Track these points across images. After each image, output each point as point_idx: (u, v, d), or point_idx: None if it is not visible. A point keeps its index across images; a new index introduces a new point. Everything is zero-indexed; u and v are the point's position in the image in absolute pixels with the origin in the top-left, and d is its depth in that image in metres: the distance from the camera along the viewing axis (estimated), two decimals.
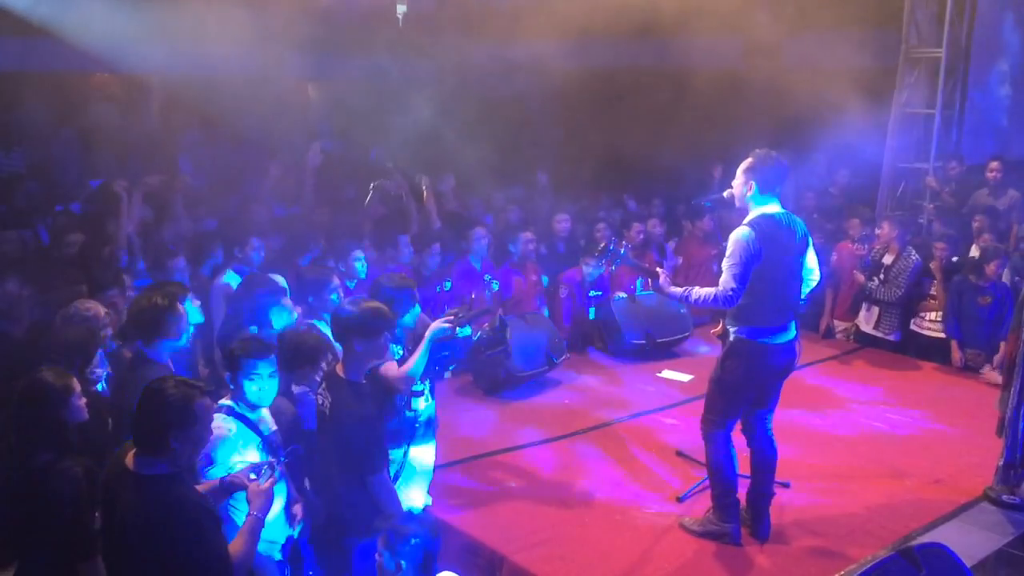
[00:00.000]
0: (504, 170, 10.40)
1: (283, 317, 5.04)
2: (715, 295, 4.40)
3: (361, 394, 3.94)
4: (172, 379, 3.17)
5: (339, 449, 3.94)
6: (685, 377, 7.06)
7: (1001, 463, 5.14)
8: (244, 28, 10.28)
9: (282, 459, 4.07)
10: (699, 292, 4.51)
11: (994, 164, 8.83)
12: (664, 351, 7.57)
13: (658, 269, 4.74)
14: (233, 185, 9.93)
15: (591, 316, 7.69)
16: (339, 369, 4.02)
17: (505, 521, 4.79)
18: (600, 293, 7.68)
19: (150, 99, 11.65)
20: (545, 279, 7.67)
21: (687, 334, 7.71)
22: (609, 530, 4.74)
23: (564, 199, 9.89)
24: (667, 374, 7.16)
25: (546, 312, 7.43)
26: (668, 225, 8.96)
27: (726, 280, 4.37)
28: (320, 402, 4.09)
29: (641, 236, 8.16)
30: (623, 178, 10.61)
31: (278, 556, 4.01)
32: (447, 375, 6.68)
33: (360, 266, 6.22)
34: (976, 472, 5.34)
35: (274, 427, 4.13)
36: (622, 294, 7.66)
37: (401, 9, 13.17)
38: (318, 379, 4.31)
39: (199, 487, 3.36)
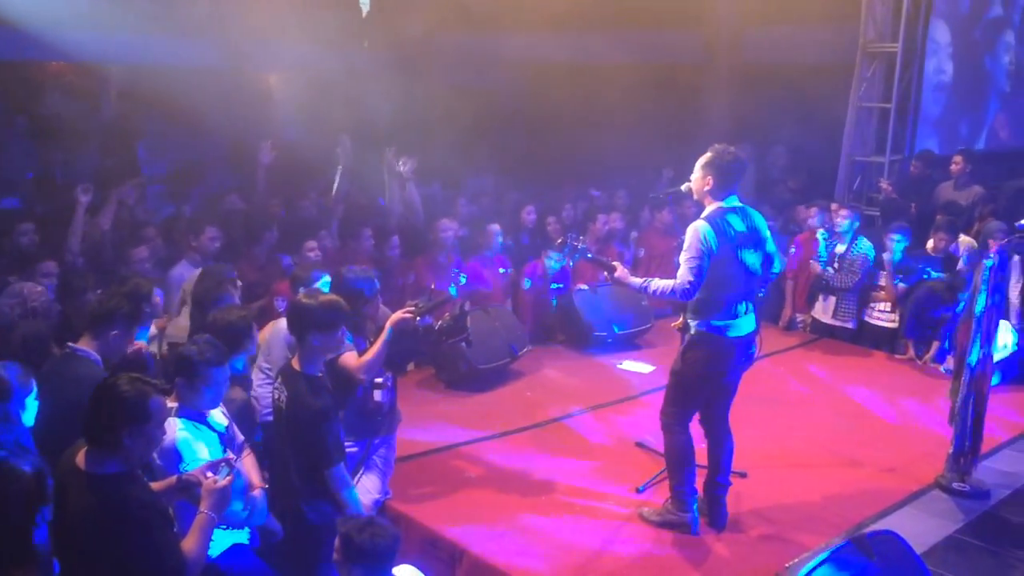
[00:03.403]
0: (470, 162, 10.42)
1: None
2: (672, 288, 4.44)
3: (317, 388, 3.92)
4: (126, 376, 3.13)
5: (295, 443, 3.92)
6: (646, 368, 7.12)
7: (951, 451, 5.26)
8: (204, 18, 10.18)
9: (239, 456, 4.05)
10: (657, 284, 4.55)
11: (958, 158, 8.98)
12: (626, 343, 7.63)
13: (615, 262, 4.77)
14: (193, 176, 9.83)
15: (553, 308, 7.73)
16: (295, 363, 3.99)
17: (465, 513, 4.80)
18: (562, 285, 7.72)
19: (108, 89, 11.44)
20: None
21: (648, 326, 7.78)
22: (569, 521, 4.77)
23: (529, 192, 9.92)
24: (628, 365, 7.21)
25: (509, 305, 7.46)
26: (630, 217, 9.01)
27: (683, 273, 4.41)
28: (276, 396, 4.06)
29: (606, 228, 8.20)
30: (588, 170, 10.65)
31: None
32: (409, 368, 6.69)
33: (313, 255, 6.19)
34: (928, 460, 5.45)
35: (227, 420, 4.09)
36: (584, 286, 7.70)
37: (364, 1, 13.11)
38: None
39: (154, 485, 3.33)
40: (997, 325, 5.27)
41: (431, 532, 4.63)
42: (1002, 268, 5.23)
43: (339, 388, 4.31)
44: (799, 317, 8.27)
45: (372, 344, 4.43)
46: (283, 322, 4.93)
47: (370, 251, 6.81)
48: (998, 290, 5.22)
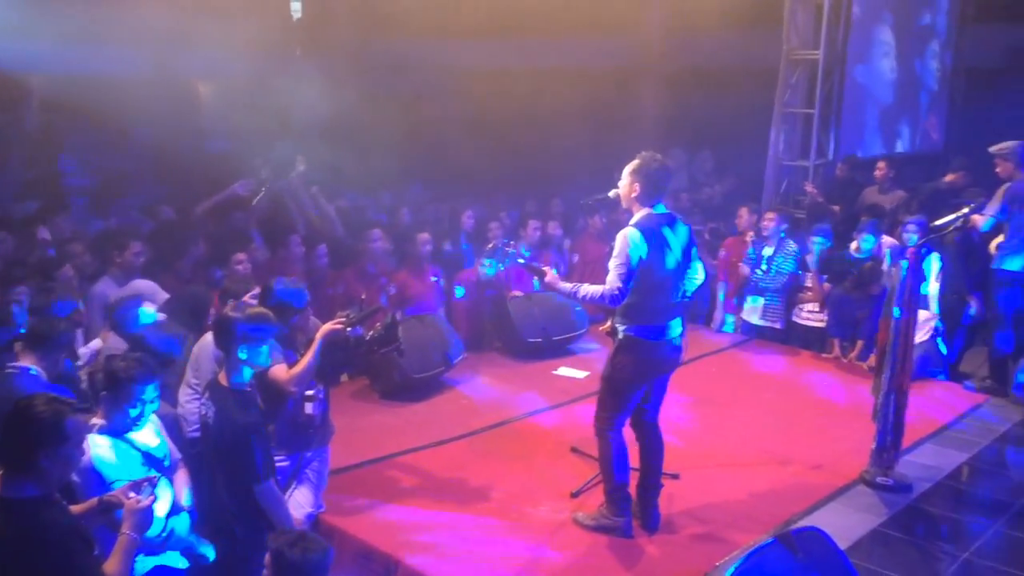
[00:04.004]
0: (403, 170, 10.39)
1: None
2: (602, 293, 4.50)
3: (245, 402, 3.87)
4: (42, 395, 3.04)
5: (224, 459, 3.87)
6: (581, 374, 7.17)
7: (875, 447, 5.41)
8: (129, 26, 9.95)
9: (172, 474, 3.99)
10: (587, 290, 4.60)
11: (882, 163, 9.28)
12: (560, 348, 7.67)
13: (545, 268, 4.81)
14: (119, 187, 9.60)
15: (488, 315, 7.74)
16: (222, 377, 3.94)
17: (400, 524, 4.78)
18: (497, 292, 7.74)
19: (30, 99, 11.11)
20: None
21: (583, 331, 7.84)
22: (504, 528, 4.79)
23: (465, 198, 9.93)
24: (563, 371, 7.26)
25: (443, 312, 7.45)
26: (565, 223, 9.08)
27: (612, 279, 4.47)
28: (203, 412, 4.00)
29: (538, 234, 8.26)
30: (521, 177, 10.71)
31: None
32: (343, 379, 6.64)
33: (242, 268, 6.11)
34: (853, 456, 5.59)
35: (160, 439, 4.02)
36: (518, 293, 7.74)
37: (295, 7, 12.97)
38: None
39: (74, 508, 3.24)
40: (915, 323, 5.45)
41: (365, 545, 4.59)
42: (918, 268, 5.40)
43: (269, 401, 4.27)
44: (729, 319, 8.42)
45: (302, 356, 4.40)
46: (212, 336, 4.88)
47: (300, 260, 6.74)
48: (915, 289, 5.40)
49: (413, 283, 7.21)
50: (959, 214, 5.91)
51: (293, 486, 4.60)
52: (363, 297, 5.13)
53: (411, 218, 8.64)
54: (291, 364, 4.41)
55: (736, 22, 10.87)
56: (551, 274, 4.76)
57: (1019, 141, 6.86)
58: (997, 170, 6.88)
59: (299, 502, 4.56)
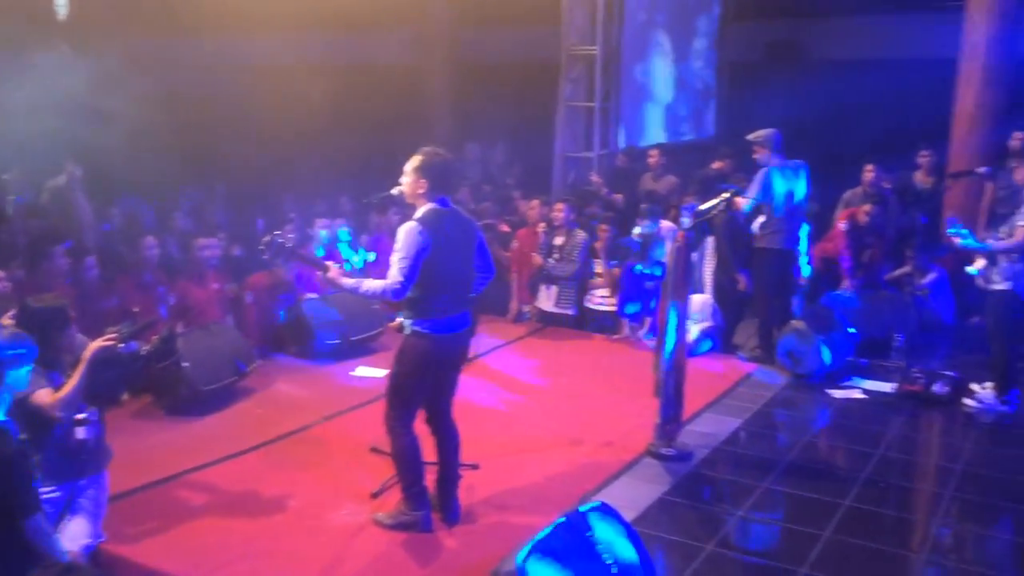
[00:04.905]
0: (181, 173, 9.90)
1: None
2: (383, 288, 4.49)
3: (2, 432, 3.55)
4: None
5: None
6: (380, 372, 7.07)
7: (659, 421, 5.74)
8: None
9: None
10: (369, 284, 4.59)
11: (653, 152, 9.84)
12: (360, 348, 7.59)
13: (329, 263, 4.75)
14: None
15: (281, 319, 7.54)
16: None
17: (191, 546, 4.56)
18: (290, 295, 7.54)
19: None
20: None
21: (382, 329, 7.78)
22: (302, 537, 4.68)
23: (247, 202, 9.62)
24: (361, 371, 7.19)
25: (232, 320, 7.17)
26: (358, 221, 8.99)
27: (394, 273, 4.48)
28: None
29: (326, 233, 8.11)
30: (310, 177, 10.49)
31: None
32: (124, 398, 6.24)
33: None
34: (641, 431, 5.87)
35: None
36: (312, 295, 7.58)
37: (60, 3, 12.09)
38: None
39: None
40: (687, 301, 5.82)
41: (153, 572, 4.35)
42: (689, 249, 5.77)
43: (33, 429, 3.96)
44: (525, 308, 8.66)
45: (69, 378, 4.11)
46: None
47: (65, 273, 6.26)
48: (688, 269, 5.76)
49: (194, 291, 6.87)
50: (722, 198, 6.33)
51: (67, 518, 4.28)
52: (136, 310, 4.85)
53: (192, 223, 8.25)
54: (57, 387, 4.11)
55: (521, 18, 11.15)
56: (333, 268, 4.71)
57: (773, 129, 7.47)
58: (755, 156, 7.45)
59: (74, 534, 4.24)
